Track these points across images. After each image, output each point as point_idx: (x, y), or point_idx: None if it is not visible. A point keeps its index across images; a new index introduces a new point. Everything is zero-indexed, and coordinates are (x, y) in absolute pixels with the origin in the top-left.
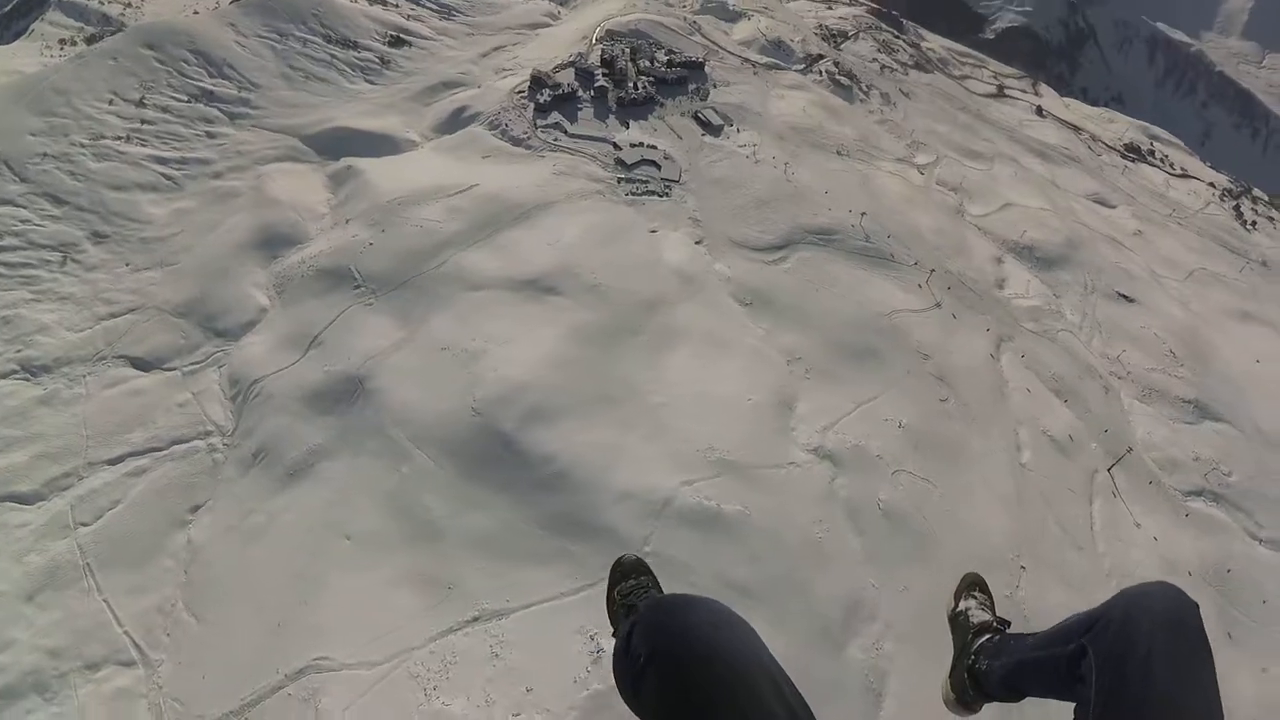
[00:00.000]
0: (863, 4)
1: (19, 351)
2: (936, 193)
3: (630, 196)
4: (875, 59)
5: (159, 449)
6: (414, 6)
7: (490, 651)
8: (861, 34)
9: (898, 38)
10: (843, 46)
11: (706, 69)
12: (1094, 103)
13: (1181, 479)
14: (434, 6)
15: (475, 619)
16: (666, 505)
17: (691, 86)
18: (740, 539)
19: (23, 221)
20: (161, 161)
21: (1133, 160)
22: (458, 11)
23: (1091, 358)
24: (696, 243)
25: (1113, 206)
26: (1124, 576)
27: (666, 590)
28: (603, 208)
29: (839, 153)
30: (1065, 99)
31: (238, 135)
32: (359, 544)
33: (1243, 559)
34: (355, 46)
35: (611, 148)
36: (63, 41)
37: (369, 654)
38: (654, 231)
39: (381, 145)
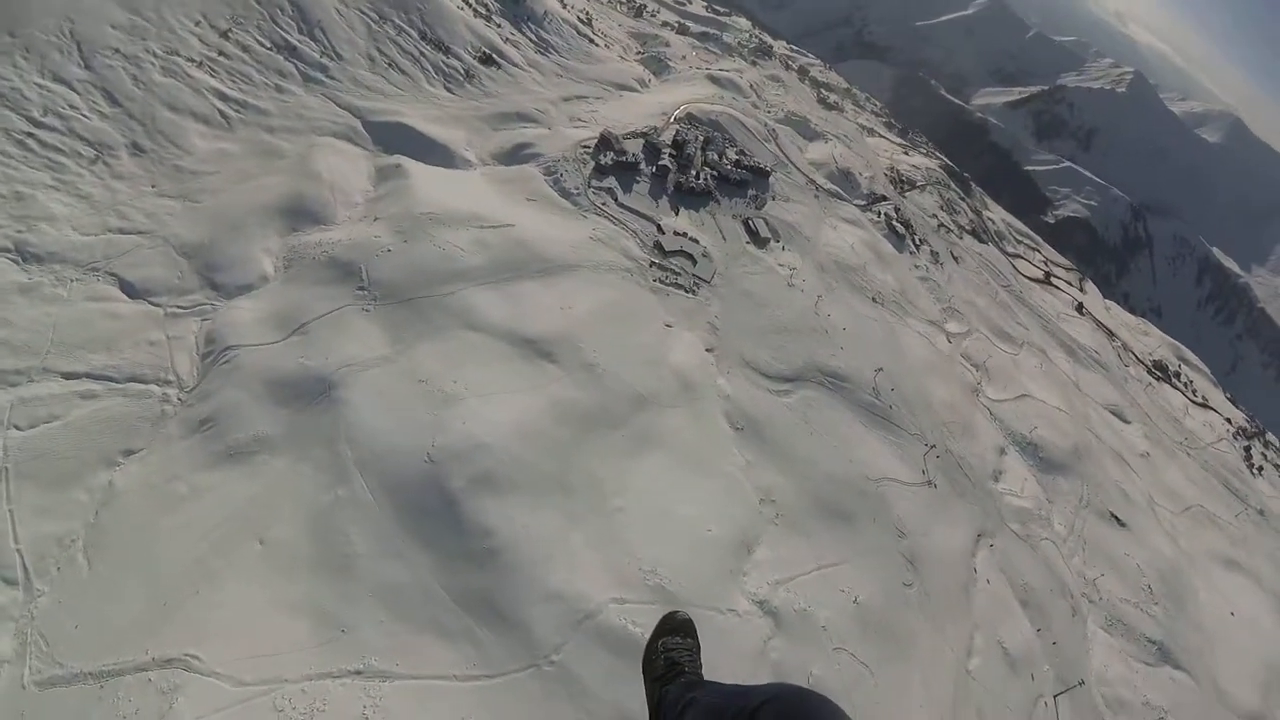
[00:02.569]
0: (939, 158)
1: (19, 233)
2: (959, 365)
3: (657, 283)
4: (935, 215)
5: (115, 380)
6: (514, 32)
7: (361, 712)
8: (929, 187)
9: (962, 199)
10: (908, 194)
11: (771, 179)
12: (1134, 310)
13: None
14: (533, 38)
15: (358, 672)
16: (589, 618)
17: (751, 192)
18: None
19: (72, 107)
20: (223, 98)
21: (1157, 378)
22: (554, 50)
23: (1068, 575)
24: (707, 350)
25: (1128, 422)
26: None
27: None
28: (627, 287)
29: (874, 299)
30: (1107, 300)
31: (304, 98)
32: (269, 552)
33: None
34: (446, 51)
35: (655, 229)
36: None
37: (240, 670)
38: (669, 326)
39: (438, 155)
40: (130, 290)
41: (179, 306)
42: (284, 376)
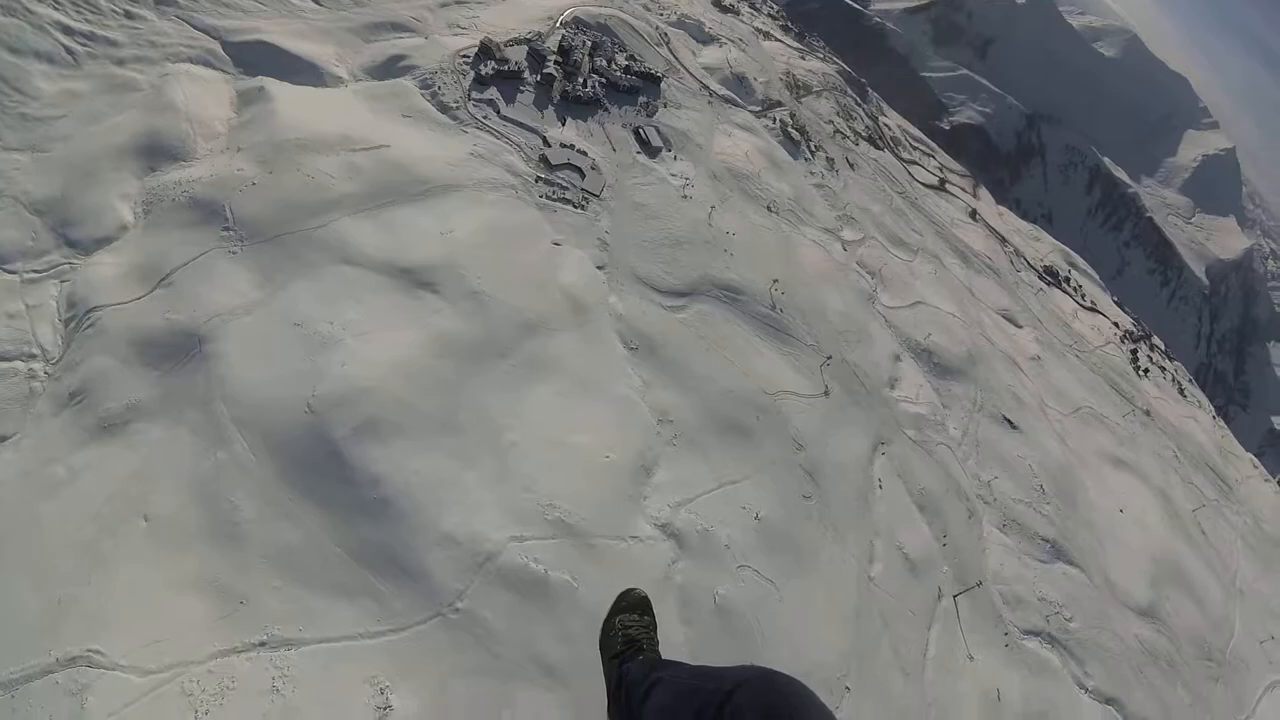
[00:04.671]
0: (836, 63)
1: None
2: (854, 273)
3: (543, 199)
4: (832, 121)
5: None
6: None
7: (271, 685)
8: (826, 93)
9: (859, 105)
10: (804, 100)
11: (663, 85)
12: (1026, 216)
13: (1023, 616)
14: None
15: (262, 644)
16: (490, 560)
17: (642, 99)
18: (559, 613)
19: None
20: (68, 31)
21: (1048, 283)
22: None
23: (963, 478)
24: (599, 268)
25: (1019, 326)
26: (945, 708)
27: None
28: (511, 205)
29: (769, 208)
30: (1000, 207)
31: (157, 23)
32: (155, 528)
33: (1066, 706)
34: None
35: (541, 142)
36: None
37: (144, 659)
38: (557, 244)
39: (305, 73)
40: None
41: (35, 270)
42: (151, 335)
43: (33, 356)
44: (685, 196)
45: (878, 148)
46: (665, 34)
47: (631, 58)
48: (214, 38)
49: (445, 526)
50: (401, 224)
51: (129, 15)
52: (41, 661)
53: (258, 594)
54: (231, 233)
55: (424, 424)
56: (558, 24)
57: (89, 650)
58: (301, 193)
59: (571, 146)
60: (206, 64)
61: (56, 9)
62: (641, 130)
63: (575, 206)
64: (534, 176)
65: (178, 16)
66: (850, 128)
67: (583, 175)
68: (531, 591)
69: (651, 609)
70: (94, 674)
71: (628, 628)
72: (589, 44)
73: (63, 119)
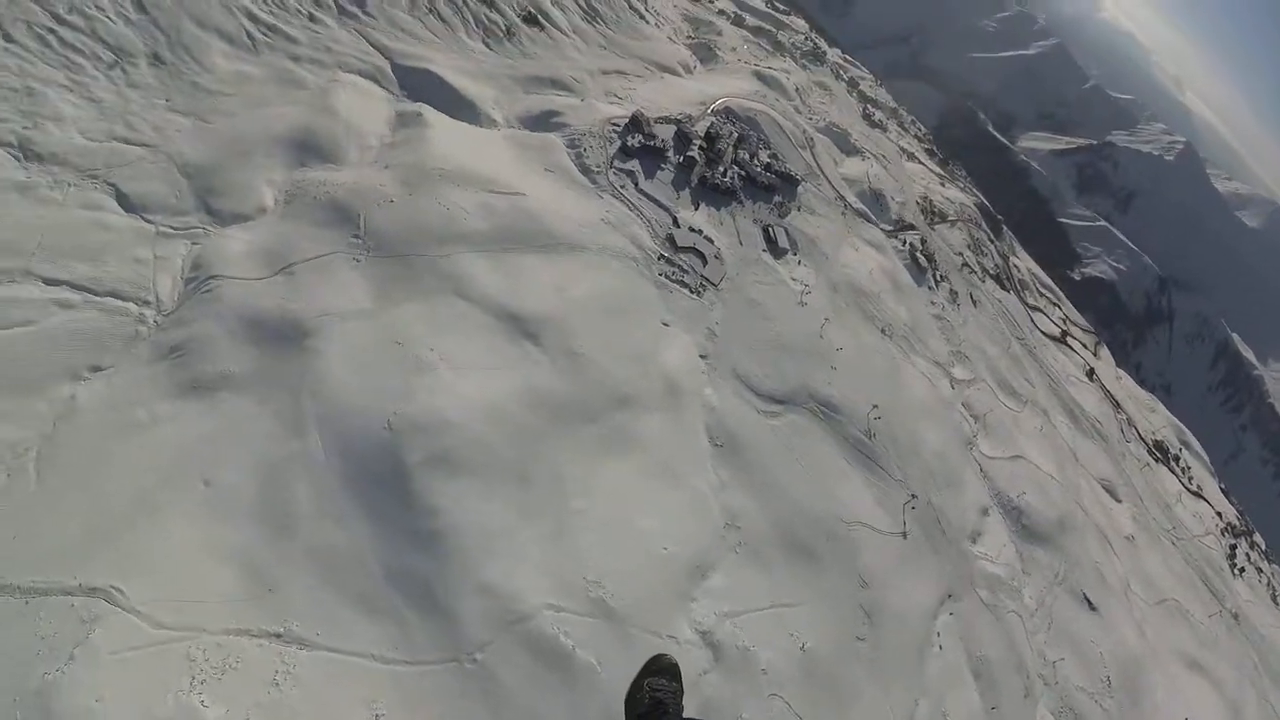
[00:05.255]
0: (975, 195)
1: (25, 129)
2: (958, 414)
3: (662, 278)
4: (962, 253)
5: (94, 293)
6: None
7: (273, 676)
8: (960, 223)
9: (992, 241)
10: (937, 227)
11: (800, 189)
12: (1144, 384)
13: None
14: (582, 4)
15: (278, 635)
16: (521, 621)
17: (777, 198)
18: (576, 693)
19: (98, 8)
20: (253, 19)
21: (1156, 459)
22: (602, 20)
23: (1028, 653)
24: (702, 356)
25: (1118, 501)
26: None
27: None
28: (629, 277)
29: (883, 331)
30: (1120, 370)
31: (336, 31)
32: (213, 495)
33: None
34: (490, 4)
35: (671, 221)
36: None
37: (161, 612)
38: (666, 325)
39: (463, 109)
40: (125, 203)
41: (171, 227)
42: (262, 315)
43: (146, 303)
44: (801, 303)
45: (1004, 288)
46: (811, 138)
47: (774, 156)
48: (386, 57)
49: (487, 575)
50: (521, 271)
51: (312, 18)
52: (65, 582)
53: (288, 586)
54: (360, 241)
55: (496, 469)
56: (709, 111)
57: (112, 586)
58: (434, 220)
59: (699, 232)
60: (374, 80)
61: None
62: (771, 229)
63: (691, 291)
64: (658, 254)
65: (356, 30)
66: (979, 263)
67: (705, 262)
68: (555, 663)
69: (680, 677)
70: (109, 610)
71: (656, 690)
72: (735, 135)
73: (231, 97)
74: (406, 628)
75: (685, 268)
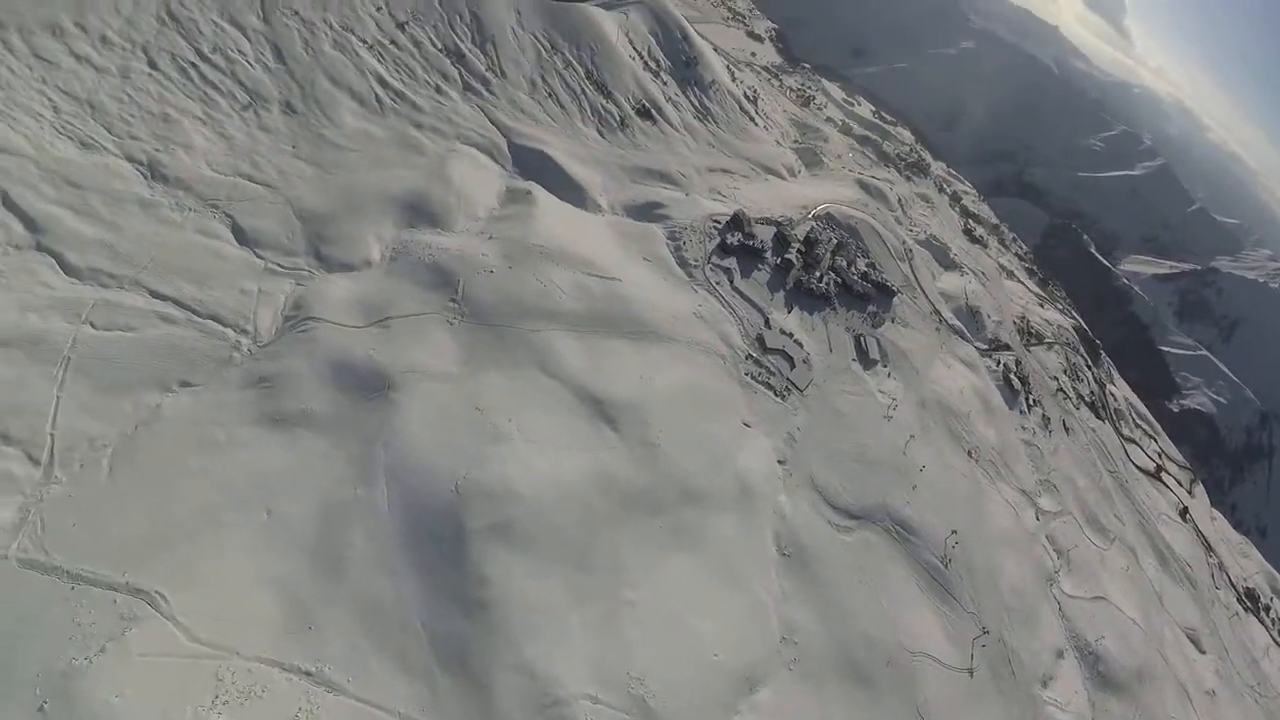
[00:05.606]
0: (1074, 318)
1: (157, 151)
2: (1041, 548)
3: (747, 378)
4: (1057, 378)
5: (197, 313)
6: (678, 93)
7: (295, 713)
8: (1057, 346)
9: (1089, 367)
10: (1033, 349)
11: (895, 300)
12: (1239, 526)
13: None
14: (695, 103)
15: (308, 674)
16: (556, 707)
17: (871, 308)
18: None
19: (240, 52)
20: (383, 84)
21: (1246, 609)
22: (712, 119)
23: None
24: (780, 461)
25: (1203, 652)
26: None
27: None
28: (715, 373)
29: (969, 453)
30: (1214, 510)
31: (459, 104)
32: (273, 524)
33: None
34: (607, 95)
35: (762, 322)
36: None
37: (199, 627)
38: (747, 426)
39: (570, 192)
40: (241, 236)
41: (280, 265)
42: (351, 362)
43: (244, 332)
44: (887, 417)
45: (1099, 416)
46: (910, 250)
47: (872, 265)
48: (503, 134)
49: (528, 654)
50: (608, 355)
51: (438, 90)
52: (113, 578)
53: (328, 627)
54: (456, 305)
55: (555, 548)
56: (810, 215)
57: (158, 591)
58: (530, 295)
59: (790, 335)
60: (490, 154)
61: (380, 62)
62: (863, 339)
63: (776, 394)
64: (746, 353)
65: (478, 106)
66: (1074, 388)
67: (792, 365)
68: None
69: None
70: (149, 614)
71: None
72: (834, 242)
73: (353, 153)
74: (438, 692)
75: (772, 369)
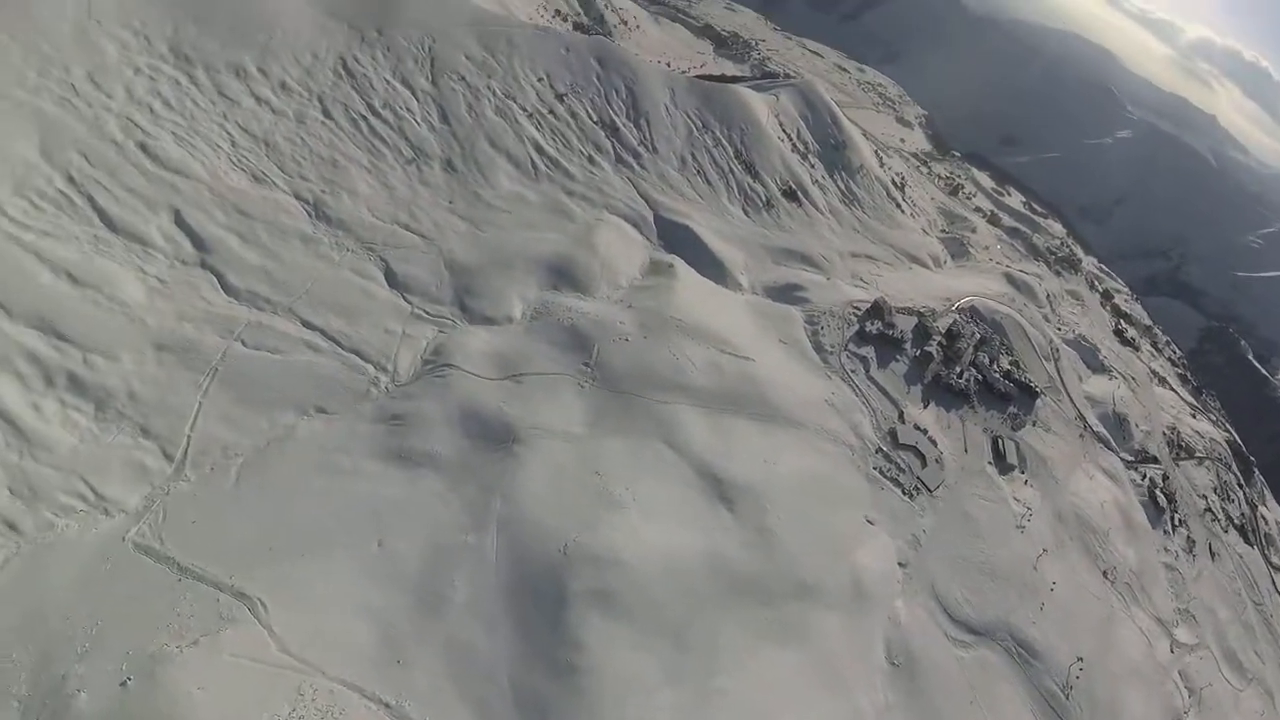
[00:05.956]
0: (1227, 431)
1: (323, 192)
2: (1172, 684)
3: (875, 472)
4: (1206, 496)
5: (342, 346)
6: (825, 176)
7: None
8: (1209, 462)
9: (1240, 487)
10: (1182, 463)
11: (1038, 402)
12: None
13: None
14: (841, 187)
15: (388, 705)
16: None
17: (1012, 409)
18: None
19: (408, 110)
20: (539, 150)
21: None
22: (858, 204)
23: None
24: (900, 564)
25: None
26: None
27: None
28: (841, 465)
29: (1105, 574)
30: None
31: (610, 175)
32: (382, 556)
33: None
34: (754, 175)
35: (896, 416)
36: (559, 13)
37: (292, 640)
38: (870, 523)
39: (712, 268)
40: (392, 280)
41: (425, 311)
42: (481, 411)
43: (384, 370)
44: (1020, 527)
45: (1248, 542)
46: (1057, 349)
47: (1015, 364)
48: (651, 207)
49: None
50: (733, 434)
51: (591, 160)
52: (220, 577)
53: (416, 665)
54: (588, 369)
55: (654, 622)
56: (954, 308)
57: (260, 599)
58: (662, 366)
59: (924, 431)
60: (636, 226)
61: (538, 130)
62: (1001, 442)
63: (904, 493)
64: (876, 446)
65: (628, 178)
66: (1224, 509)
67: (924, 464)
68: None
69: None
70: (247, 618)
71: None
72: (977, 337)
73: (506, 213)
74: None
75: (902, 466)
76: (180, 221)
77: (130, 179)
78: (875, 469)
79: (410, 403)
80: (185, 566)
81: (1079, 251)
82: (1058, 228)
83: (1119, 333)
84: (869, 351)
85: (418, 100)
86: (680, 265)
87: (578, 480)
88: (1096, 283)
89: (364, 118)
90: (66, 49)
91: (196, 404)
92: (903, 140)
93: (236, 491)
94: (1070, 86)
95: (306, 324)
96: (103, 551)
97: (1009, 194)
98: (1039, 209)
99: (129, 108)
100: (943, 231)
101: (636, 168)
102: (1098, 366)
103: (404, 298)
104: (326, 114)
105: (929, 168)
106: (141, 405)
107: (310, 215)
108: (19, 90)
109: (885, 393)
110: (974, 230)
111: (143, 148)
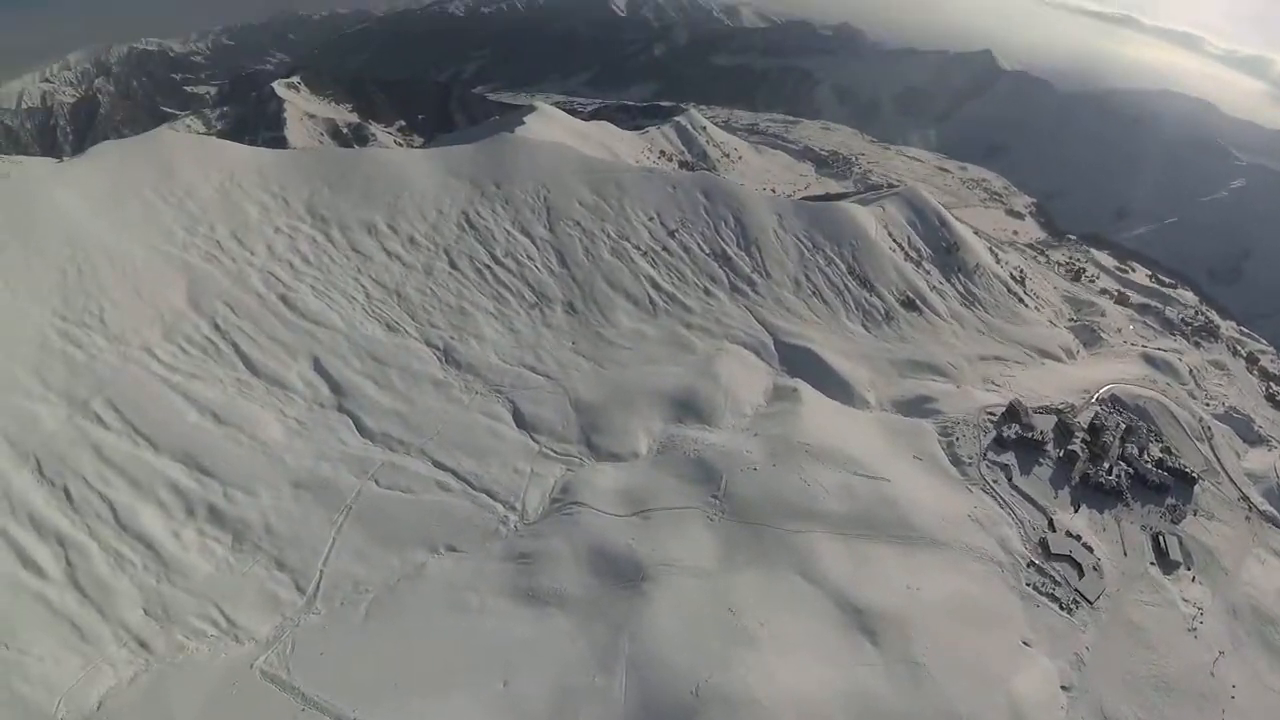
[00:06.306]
0: None
1: (451, 339)
2: None
3: (1028, 588)
4: None
5: (472, 485)
6: (942, 281)
7: None
8: None
9: None
10: None
11: (1196, 488)
12: None
13: None
14: (960, 290)
15: None
16: None
17: (1169, 500)
18: None
19: (529, 258)
20: (656, 286)
21: None
22: (980, 305)
23: None
24: (1063, 687)
25: None
26: None
27: None
28: (991, 584)
29: None
30: None
31: (727, 305)
32: (506, 696)
33: None
34: (870, 289)
35: (1046, 525)
36: (663, 153)
37: None
38: (1026, 645)
39: (837, 388)
40: (520, 420)
41: (553, 450)
42: (609, 549)
43: (513, 509)
44: (1191, 630)
45: None
46: (1208, 427)
47: (1167, 449)
48: (770, 333)
49: None
50: (871, 561)
51: (707, 292)
52: (344, 711)
53: None
54: (717, 502)
55: None
56: (1093, 399)
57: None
58: (793, 494)
59: (1078, 538)
60: (756, 352)
61: (653, 267)
62: (1162, 538)
63: (1062, 607)
64: (1027, 560)
65: (745, 306)
66: None
67: (1081, 574)
68: None
69: None
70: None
71: None
72: (1123, 427)
73: (627, 350)
74: None
75: (1057, 578)
76: (319, 367)
77: (272, 327)
78: (1028, 585)
79: (539, 541)
80: (310, 697)
81: (1215, 317)
82: (1189, 296)
83: (1271, 397)
84: (1009, 458)
85: (537, 247)
86: (804, 388)
87: (709, 617)
88: (1239, 347)
89: (488, 267)
90: (212, 209)
91: (330, 540)
92: (1016, 232)
93: (365, 626)
94: (1174, 145)
95: (438, 464)
96: (230, 676)
97: (1132, 269)
98: (1166, 279)
99: (270, 263)
100: (1071, 320)
101: (752, 294)
102: (1254, 439)
103: (532, 437)
104: (453, 264)
105: (1047, 256)
106: (277, 539)
107: (440, 360)
108: (169, 245)
109: (1031, 500)
110: (1103, 314)
111: (283, 299)
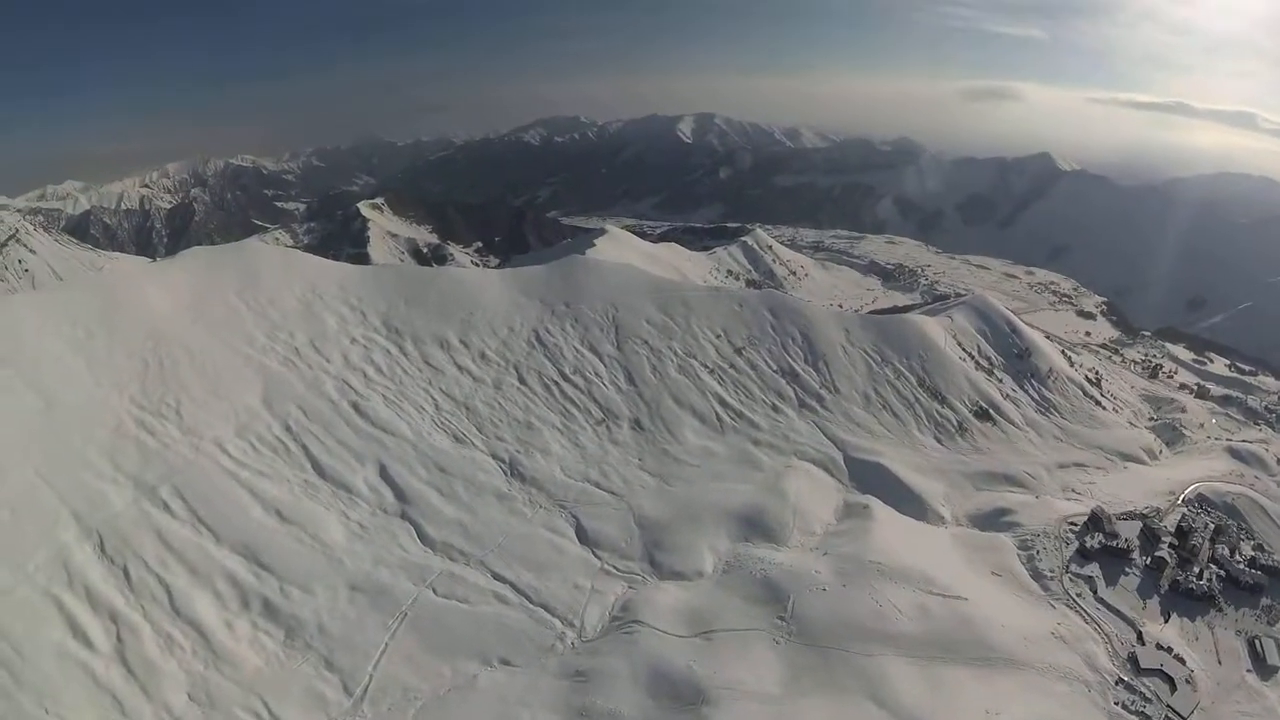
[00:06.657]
0: None
1: (516, 452)
2: None
3: (1118, 708)
4: None
5: (530, 599)
6: (1015, 388)
7: None
8: None
9: None
10: None
11: None
12: None
13: None
14: (1034, 396)
15: None
16: None
17: (1265, 600)
18: None
19: (596, 375)
20: (723, 403)
21: None
22: (1056, 411)
23: None
24: None
25: None
26: None
27: None
28: (1078, 705)
29: None
30: None
31: (795, 421)
32: None
33: None
34: (941, 401)
35: (1135, 638)
36: (730, 272)
37: None
38: None
39: (909, 504)
40: (583, 536)
41: (615, 567)
42: (669, 670)
43: (571, 625)
44: None
45: None
46: None
47: (1259, 547)
48: (839, 449)
49: None
50: (948, 685)
51: (775, 408)
52: None
53: None
54: (784, 623)
55: None
56: (1179, 500)
57: None
58: (864, 615)
59: (1169, 650)
60: (825, 468)
61: (720, 385)
62: (1258, 642)
63: None
64: (1116, 677)
65: (814, 421)
66: None
67: (1173, 688)
68: None
69: None
70: None
71: None
72: (1211, 527)
73: (694, 467)
74: None
75: (1149, 695)
76: (385, 474)
77: (341, 433)
78: (1117, 704)
79: (596, 659)
80: None
81: None
82: (1271, 382)
83: None
84: (1094, 569)
85: (605, 365)
86: (876, 504)
87: None
88: None
89: (556, 383)
90: (292, 318)
91: (383, 644)
92: (1088, 333)
93: None
94: (1241, 226)
95: (497, 576)
96: None
97: (1210, 360)
98: (1245, 367)
99: (345, 371)
100: (1151, 419)
101: (820, 410)
102: None
103: (594, 553)
104: (521, 380)
105: (1122, 355)
106: (329, 639)
107: (505, 473)
108: (248, 348)
109: (1118, 613)
110: (1183, 410)
111: (355, 406)
